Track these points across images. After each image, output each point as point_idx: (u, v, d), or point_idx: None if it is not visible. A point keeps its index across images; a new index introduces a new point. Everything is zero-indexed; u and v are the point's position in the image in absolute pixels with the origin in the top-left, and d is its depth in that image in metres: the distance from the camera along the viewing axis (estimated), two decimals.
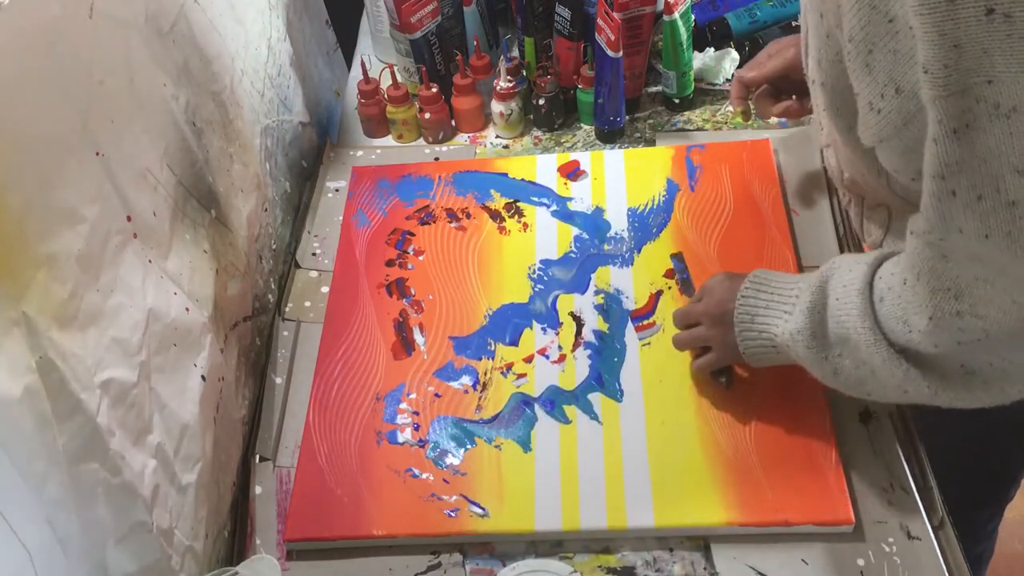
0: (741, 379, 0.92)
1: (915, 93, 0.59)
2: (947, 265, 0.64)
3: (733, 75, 1.02)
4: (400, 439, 0.92)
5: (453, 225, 1.12)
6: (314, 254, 1.14)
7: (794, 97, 1.01)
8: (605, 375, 0.95)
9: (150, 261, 0.78)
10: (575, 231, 1.10)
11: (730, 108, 1.23)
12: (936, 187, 0.60)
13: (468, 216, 1.13)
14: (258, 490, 0.92)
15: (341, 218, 1.16)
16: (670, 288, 1.01)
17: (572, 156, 1.18)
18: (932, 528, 0.82)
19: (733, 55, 1.24)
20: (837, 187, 0.96)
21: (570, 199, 1.13)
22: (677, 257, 1.03)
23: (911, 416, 0.90)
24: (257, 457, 0.94)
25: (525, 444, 0.90)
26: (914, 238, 0.66)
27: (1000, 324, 0.63)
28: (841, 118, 0.72)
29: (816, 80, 0.74)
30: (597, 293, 1.02)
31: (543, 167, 1.17)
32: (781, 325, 0.79)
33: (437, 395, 0.95)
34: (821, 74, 0.71)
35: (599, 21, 1.11)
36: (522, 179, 1.16)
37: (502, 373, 0.96)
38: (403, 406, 0.95)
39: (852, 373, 0.75)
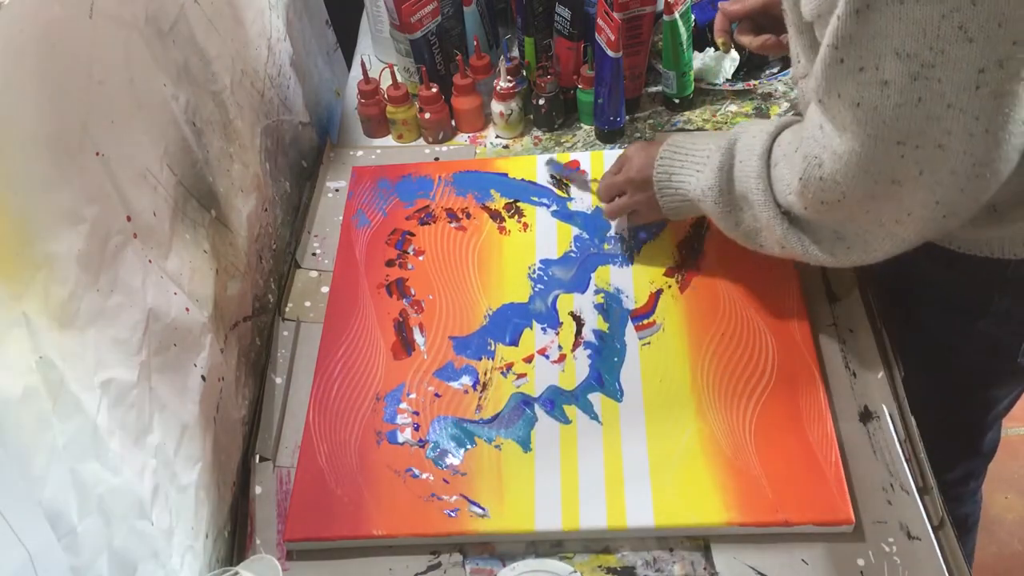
0: (740, 380, 0.92)
1: None
2: (820, 134, 0.73)
3: (718, 6, 1.07)
4: (400, 439, 0.92)
5: (453, 225, 1.12)
6: (314, 254, 1.14)
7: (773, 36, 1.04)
8: (605, 375, 0.95)
9: (150, 261, 0.78)
10: (575, 231, 1.10)
11: (731, 108, 1.23)
12: (829, 55, 0.67)
13: (468, 216, 1.13)
14: (258, 490, 0.92)
15: (341, 218, 1.16)
16: (670, 287, 1.01)
17: (572, 156, 1.18)
18: (932, 528, 0.82)
19: (733, 55, 1.24)
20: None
21: (569, 199, 1.13)
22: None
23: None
24: (257, 457, 0.94)
25: (525, 444, 0.90)
26: (812, 107, 0.74)
27: (854, 190, 0.72)
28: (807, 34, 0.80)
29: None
30: (597, 292, 1.03)
31: (543, 168, 1.17)
32: (693, 182, 0.89)
33: (437, 395, 0.95)
34: None
35: (599, 21, 1.11)
36: (522, 179, 1.16)
37: (502, 373, 0.96)
38: (403, 406, 0.95)
39: (749, 226, 0.86)
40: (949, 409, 1.05)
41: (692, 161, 0.90)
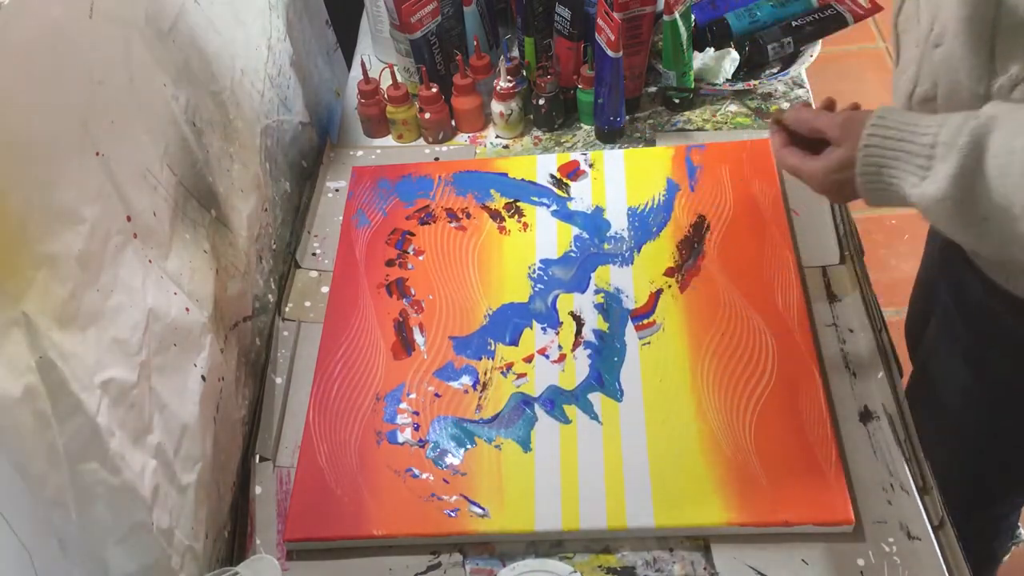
0: (740, 380, 0.92)
1: None
2: None
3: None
4: (400, 439, 0.92)
5: (453, 225, 1.12)
6: (314, 254, 1.14)
7: None
8: (605, 375, 0.95)
9: (150, 261, 0.78)
10: (575, 231, 1.10)
11: (731, 108, 1.23)
12: None
13: (468, 216, 1.13)
14: (258, 490, 0.92)
15: (341, 218, 1.16)
16: (670, 287, 1.01)
17: (572, 156, 1.18)
18: (932, 528, 0.82)
19: (733, 55, 1.24)
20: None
21: (569, 199, 1.13)
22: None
23: (914, 419, 0.90)
24: (257, 457, 0.94)
25: (525, 444, 0.90)
26: None
27: None
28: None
29: None
30: (597, 292, 1.03)
31: (543, 167, 1.17)
32: (919, 185, 0.68)
33: (437, 395, 0.95)
34: None
35: (599, 21, 1.11)
36: (522, 179, 1.16)
37: (502, 373, 0.96)
38: (403, 406, 0.95)
39: (1001, 239, 0.66)
40: (996, 459, 1.03)
41: (909, 153, 0.69)
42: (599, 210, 1.11)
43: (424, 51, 1.23)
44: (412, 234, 1.12)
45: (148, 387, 0.75)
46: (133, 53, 0.78)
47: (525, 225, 1.11)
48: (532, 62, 1.24)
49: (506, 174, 1.17)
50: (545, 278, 1.05)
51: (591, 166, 1.16)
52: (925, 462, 0.86)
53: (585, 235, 1.09)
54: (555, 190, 1.15)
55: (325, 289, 1.08)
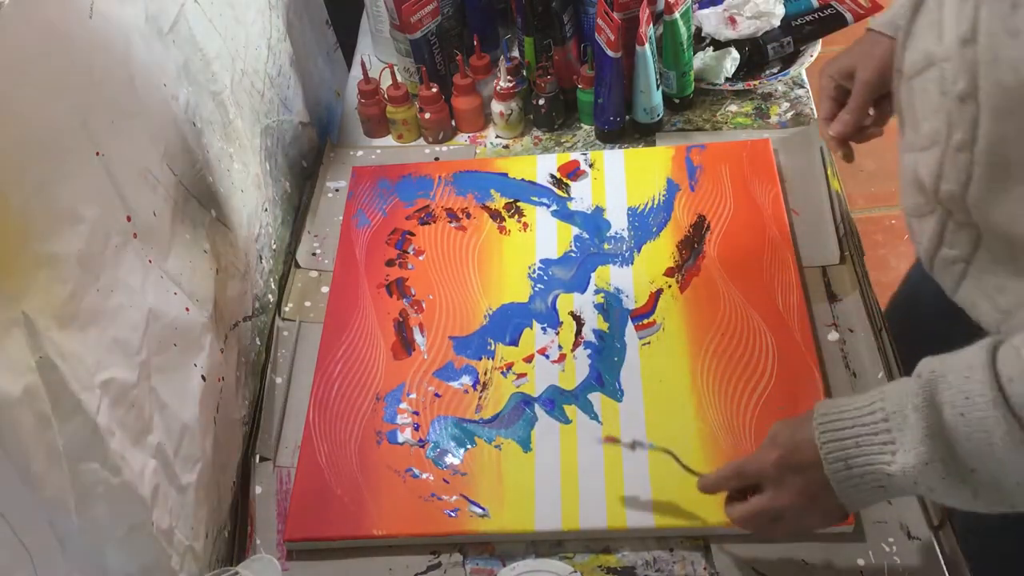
0: (740, 380, 0.92)
1: None
2: None
3: (829, 137, 0.96)
4: (400, 439, 0.92)
5: (453, 225, 1.12)
6: (314, 254, 1.14)
7: (871, 112, 0.96)
8: (605, 375, 0.95)
9: (150, 261, 0.78)
10: (575, 230, 1.10)
11: (731, 108, 1.23)
12: None
13: (468, 216, 1.13)
14: (258, 490, 0.92)
15: (341, 218, 1.16)
16: (670, 287, 1.01)
17: (572, 156, 1.18)
18: (932, 528, 0.82)
19: (733, 55, 1.24)
20: (914, 196, 0.80)
21: (569, 199, 1.13)
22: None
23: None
24: (257, 457, 0.94)
25: (525, 444, 0.90)
26: None
27: None
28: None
29: (957, 60, 0.66)
30: (597, 292, 1.02)
31: (543, 167, 1.17)
32: (895, 461, 0.66)
33: (437, 395, 0.95)
34: (988, 52, 0.63)
35: (599, 21, 1.11)
36: (522, 179, 1.16)
37: (502, 373, 0.96)
38: (403, 406, 0.95)
39: (994, 489, 0.64)
40: None
41: (868, 434, 0.68)
42: (599, 210, 1.11)
43: (424, 51, 1.23)
44: (412, 234, 1.12)
45: (148, 387, 0.75)
46: (133, 53, 0.78)
47: (525, 225, 1.11)
48: (532, 62, 1.24)
49: (506, 174, 1.17)
50: (545, 278, 1.05)
51: (591, 166, 1.16)
52: None
53: (585, 235, 1.09)
54: (555, 190, 1.15)
55: (325, 289, 1.08)
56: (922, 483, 0.66)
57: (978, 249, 0.75)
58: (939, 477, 0.65)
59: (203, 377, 0.85)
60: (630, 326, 0.99)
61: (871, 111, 0.95)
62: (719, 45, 1.26)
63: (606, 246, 1.07)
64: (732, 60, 1.24)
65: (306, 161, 1.27)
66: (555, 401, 0.93)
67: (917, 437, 0.65)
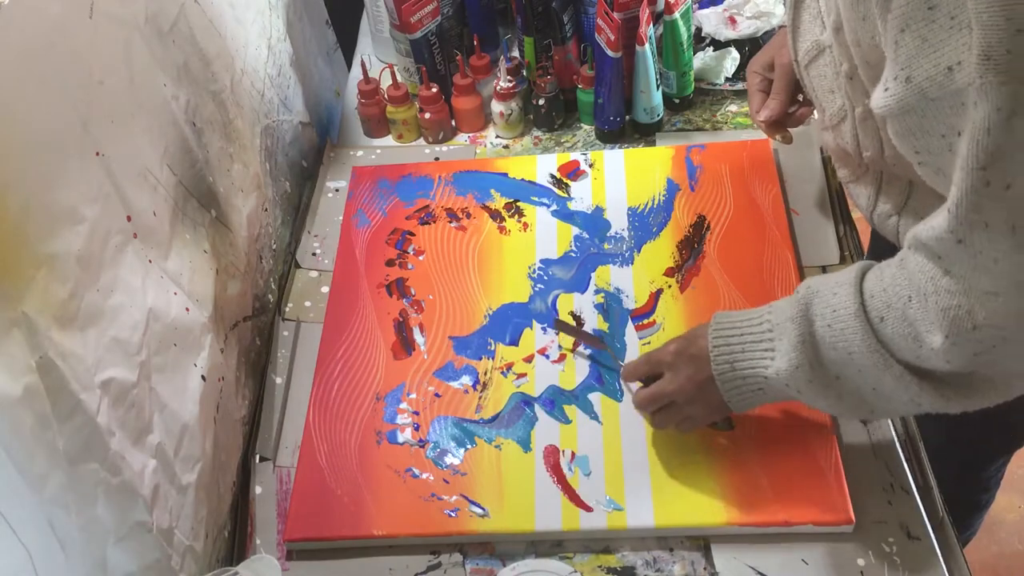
0: None
1: (922, 87, 0.59)
2: (953, 282, 0.64)
3: (759, 123, 1.01)
4: (400, 439, 0.92)
5: (453, 225, 1.12)
6: (314, 254, 1.14)
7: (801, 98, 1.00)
8: (605, 374, 0.95)
9: (150, 261, 0.78)
10: (575, 230, 1.10)
11: (730, 108, 1.23)
12: (975, 179, 0.59)
13: (468, 216, 1.13)
14: (258, 490, 0.92)
15: (341, 218, 1.16)
16: (670, 287, 1.01)
17: (572, 156, 1.18)
18: (932, 528, 0.82)
19: (733, 55, 1.24)
20: (844, 165, 0.91)
21: (569, 199, 1.13)
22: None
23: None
24: (257, 457, 0.94)
25: (525, 444, 0.90)
26: (917, 254, 0.66)
27: (1018, 328, 0.63)
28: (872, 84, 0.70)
29: (836, 45, 0.74)
30: (597, 292, 1.02)
31: (543, 167, 1.17)
32: (771, 365, 0.77)
33: (437, 395, 0.95)
34: (851, 35, 0.70)
35: (599, 21, 1.11)
36: (522, 179, 1.16)
37: (502, 373, 0.96)
38: (403, 406, 0.95)
39: (856, 396, 0.74)
40: (1010, 417, 1.03)
41: (754, 340, 0.78)
42: (599, 210, 1.11)
43: (424, 51, 1.23)
44: (412, 234, 1.12)
45: (148, 387, 0.75)
46: (133, 53, 0.78)
47: (525, 225, 1.11)
48: (532, 62, 1.24)
49: (506, 174, 1.17)
50: (545, 278, 1.05)
51: (591, 166, 1.16)
52: (926, 462, 0.86)
53: (585, 235, 1.09)
54: (555, 190, 1.15)
55: (325, 289, 1.08)
56: (792, 385, 0.76)
57: (908, 199, 0.83)
58: (807, 380, 0.75)
59: (203, 377, 0.85)
60: (630, 326, 0.99)
61: (800, 97, 0.99)
62: (719, 45, 1.26)
63: (606, 246, 1.07)
64: (732, 60, 1.24)
65: (306, 161, 1.27)
66: (555, 401, 0.93)
67: (791, 344, 0.74)
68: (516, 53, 1.28)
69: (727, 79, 1.25)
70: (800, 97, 0.99)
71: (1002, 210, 0.59)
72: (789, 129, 1.01)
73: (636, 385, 0.88)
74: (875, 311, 0.70)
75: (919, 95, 0.60)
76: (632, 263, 1.05)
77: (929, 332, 0.66)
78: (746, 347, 0.78)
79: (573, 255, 1.07)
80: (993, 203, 0.59)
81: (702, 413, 0.84)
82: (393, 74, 1.27)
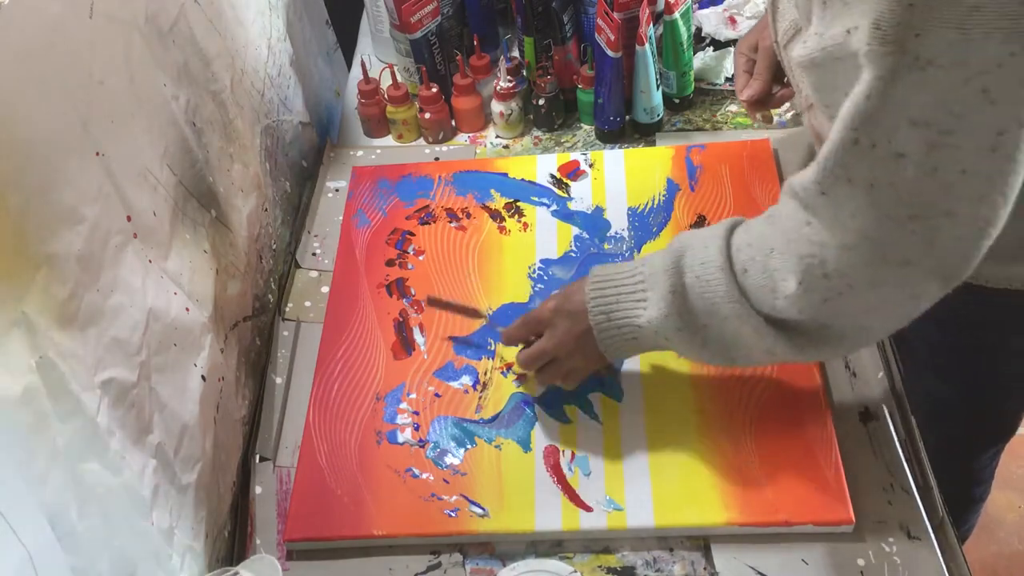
0: (740, 380, 0.92)
1: (828, 45, 0.63)
2: (813, 232, 0.68)
3: (743, 102, 1.05)
4: (400, 439, 0.92)
5: (453, 225, 1.12)
6: (314, 254, 1.14)
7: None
8: (605, 375, 0.95)
9: (150, 261, 0.78)
10: (575, 230, 1.10)
11: (731, 108, 1.23)
12: (845, 136, 0.63)
13: (468, 216, 1.13)
14: (258, 490, 0.92)
15: (341, 218, 1.16)
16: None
17: (572, 156, 1.18)
18: (932, 528, 0.82)
19: (733, 55, 1.24)
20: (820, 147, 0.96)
21: (569, 199, 1.13)
22: None
23: (903, 368, 0.92)
24: (257, 457, 0.94)
25: (525, 444, 0.90)
26: (788, 201, 0.71)
27: (862, 281, 0.68)
28: None
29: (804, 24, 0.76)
30: None
31: (543, 167, 1.17)
32: (643, 315, 0.80)
33: (437, 395, 0.95)
34: (803, 10, 0.73)
35: (599, 21, 1.11)
36: (522, 179, 1.16)
37: (502, 373, 0.96)
38: (403, 406, 0.95)
39: (720, 344, 0.78)
40: (987, 410, 1.05)
41: (627, 292, 0.82)
42: (599, 210, 1.11)
43: (424, 51, 1.23)
44: (412, 234, 1.12)
45: (148, 387, 0.75)
46: (133, 53, 0.78)
47: (525, 225, 1.11)
48: (532, 62, 1.24)
49: (506, 174, 1.17)
50: (545, 278, 1.05)
51: (591, 166, 1.16)
52: (926, 462, 0.86)
53: (585, 235, 1.09)
54: (555, 190, 1.15)
55: (325, 289, 1.08)
56: (661, 333, 0.80)
57: None
58: (675, 328, 0.78)
59: (203, 377, 0.85)
60: None
61: (786, 80, 1.02)
62: (719, 45, 1.26)
63: (606, 246, 1.07)
64: (732, 60, 1.24)
65: (306, 161, 1.27)
66: (555, 401, 0.93)
67: (661, 294, 0.78)
68: (516, 53, 1.28)
69: (727, 79, 1.25)
70: (785, 80, 1.01)
71: (864, 168, 0.63)
72: (772, 110, 1.05)
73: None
74: (739, 263, 0.75)
75: (826, 53, 0.64)
76: None
77: (785, 280, 0.71)
78: (621, 298, 0.82)
79: (573, 255, 1.07)
80: (858, 160, 0.63)
81: (582, 365, 0.88)
82: (393, 74, 1.27)
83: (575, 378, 0.90)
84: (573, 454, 0.89)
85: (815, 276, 0.69)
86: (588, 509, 0.85)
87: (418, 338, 1.01)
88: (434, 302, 1.00)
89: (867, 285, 0.69)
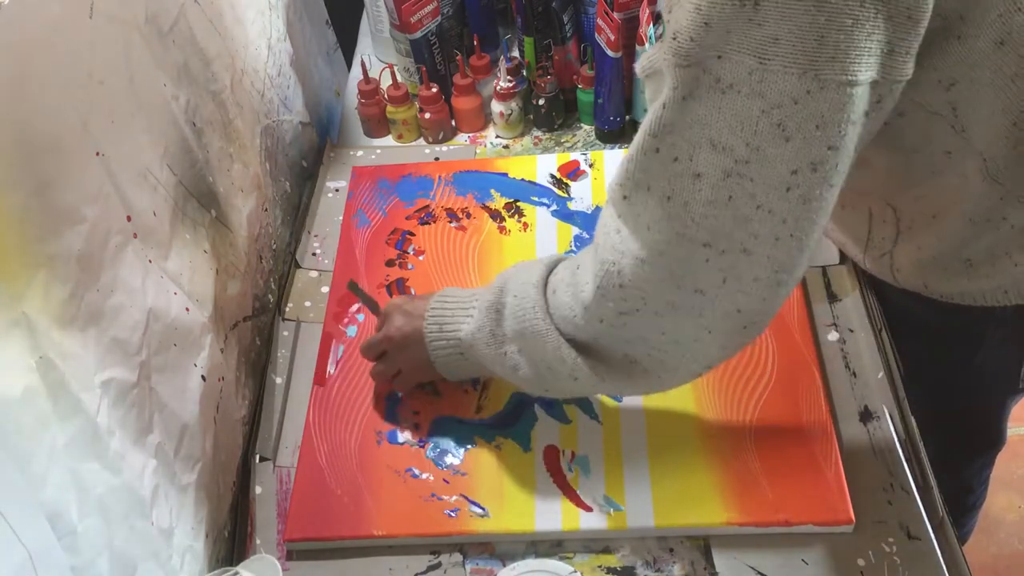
0: (740, 380, 0.92)
1: (652, 56, 0.64)
2: (619, 240, 0.68)
3: None
4: (400, 439, 0.92)
5: (453, 225, 1.12)
6: (314, 254, 1.14)
7: None
8: None
9: (150, 261, 0.78)
10: (575, 231, 1.10)
11: None
12: (645, 143, 0.63)
13: (468, 216, 1.13)
14: (258, 490, 0.92)
15: (341, 218, 1.16)
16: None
17: (572, 156, 1.18)
18: (932, 528, 0.82)
19: None
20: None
21: (569, 199, 1.13)
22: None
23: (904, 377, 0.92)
24: (257, 457, 0.94)
25: (525, 444, 0.90)
26: (607, 205, 0.70)
27: (655, 297, 0.68)
28: None
29: None
30: None
31: (543, 167, 1.17)
32: (464, 328, 0.83)
33: (437, 395, 0.95)
34: None
35: (599, 21, 1.11)
36: (522, 179, 1.16)
37: None
38: (403, 406, 0.95)
39: (528, 368, 0.79)
40: (963, 421, 1.04)
41: (462, 308, 0.85)
42: (599, 210, 1.11)
43: (424, 51, 1.23)
44: (412, 234, 1.12)
45: (148, 387, 0.75)
46: (133, 53, 0.78)
47: (525, 225, 1.11)
48: (532, 62, 1.24)
49: (506, 174, 1.17)
50: None
51: (591, 166, 1.16)
52: (926, 462, 0.86)
53: (585, 235, 1.09)
54: (555, 190, 1.15)
55: (325, 289, 1.08)
56: (476, 347, 0.82)
57: (899, 233, 0.84)
58: (485, 343, 0.81)
59: (203, 377, 0.85)
60: None
61: None
62: None
63: None
64: None
65: (306, 161, 1.27)
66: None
67: (481, 309, 0.82)
68: (516, 53, 1.28)
69: None
70: None
71: (663, 179, 0.63)
72: None
73: None
74: (552, 284, 0.77)
75: (652, 63, 0.66)
76: None
77: (586, 284, 0.71)
78: (455, 312, 0.85)
79: (573, 255, 1.07)
80: (658, 168, 0.63)
81: (411, 368, 0.91)
82: (393, 74, 1.27)
83: (404, 382, 0.93)
84: (573, 454, 0.89)
85: (612, 284, 0.69)
86: (588, 509, 0.85)
87: None
88: (353, 288, 0.98)
89: (661, 304, 0.68)
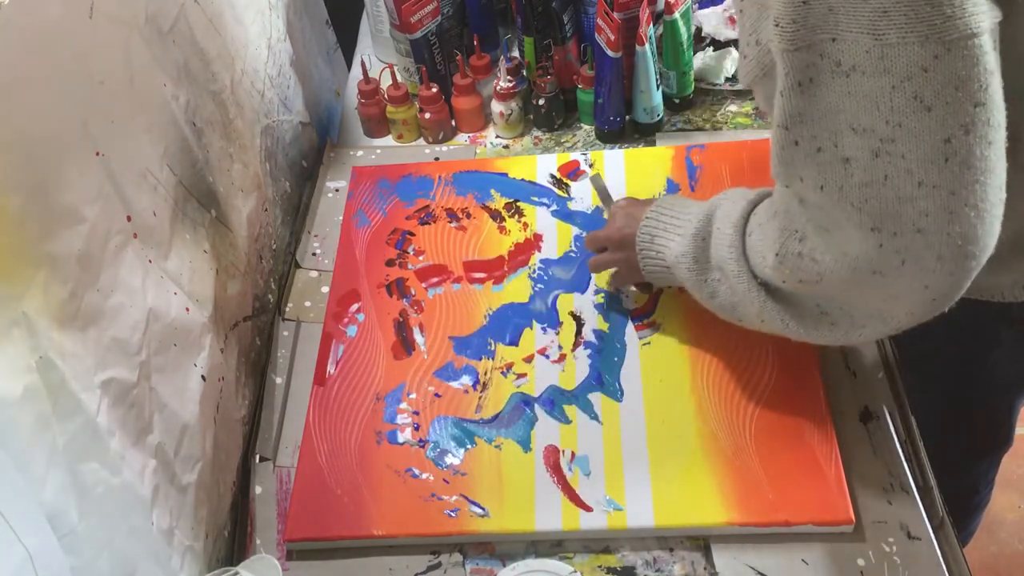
0: (740, 380, 0.92)
1: (769, 47, 0.62)
2: (800, 208, 0.67)
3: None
4: (400, 439, 0.92)
5: (453, 225, 1.12)
6: (314, 254, 1.14)
7: None
8: (605, 375, 0.95)
9: (150, 261, 0.78)
10: (575, 230, 1.10)
11: (731, 108, 1.23)
12: (781, 136, 0.63)
13: (468, 216, 1.13)
14: (258, 490, 0.92)
15: (341, 218, 1.16)
16: (670, 287, 1.01)
17: (572, 156, 1.18)
18: (932, 528, 0.82)
19: (733, 55, 1.24)
20: None
21: (569, 199, 1.13)
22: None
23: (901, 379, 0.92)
24: (257, 457, 0.94)
25: (525, 444, 0.90)
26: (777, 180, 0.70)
27: (832, 271, 0.67)
28: None
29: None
30: (597, 292, 1.02)
31: (543, 167, 1.17)
32: (673, 248, 0.84)
33: (437, 395, 0.95)
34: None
35: (599, 21, 1.11)
36: (522, 179, 1.16)
37: (502, 373, 0.96)
38: (403, 406, 0.95)
39: (725, 298, 0.80)
40: (974, 422, 1.04)
41: (675, 225, 0.85)
42: (599, 210, 1.11)
43: (424, 51, 1.23)
44: (412, 234, 1.12)
45: (148, 387, 0.75)
46: (133, 53, 0.78)
47: (525, 225, 1.11)
48: (532, 62, 1.24)
49: (506, 174, 1.17)
50: (545, 278, 1.05)
51: (591, 166, 1.16)
52: (926, 462, 0.86)
53: (585, 235, 1.09)
54: (555, 190, 1.15)
55: (325, 289, 1.08)
56: (678, 271, 0.84)
57: None
58: (687, 269, 0.83)
59: (203, 377, 0.85)
60: (630, 326, 0.99)
61: None
62: (719, 45, 1.26)
63: None
64: (732, 60, 1.24)
65: (306, 161, 1.27)
66: (555, 401, 0.93)
67: (688, 234, 0.82)
68: (516, 53, 1.28)
69: (727, 79, 1.25)
70: None
71: (812, 169, 0.62)
72: None
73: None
74: (750, 226, 0.76)
75: (761, 64, 0.64)
76: None
77: (769, 250, 0.72)
78: (668, 226, 0.86)
79: (573, 255, 1.07)
80: (803, 160, 0.63)
81: (625, 269, 0.94)
82: (393, 74, 1.27)
83: (618, 281, 0.98)
84: (573, 454, 0.89)
85: (791, 252, 0.69)
86: (588, 509, 0.85)
87: (418, 338, 1.01)
88: (595, 180, 1.05)
89: (836, 280, 0.67)
